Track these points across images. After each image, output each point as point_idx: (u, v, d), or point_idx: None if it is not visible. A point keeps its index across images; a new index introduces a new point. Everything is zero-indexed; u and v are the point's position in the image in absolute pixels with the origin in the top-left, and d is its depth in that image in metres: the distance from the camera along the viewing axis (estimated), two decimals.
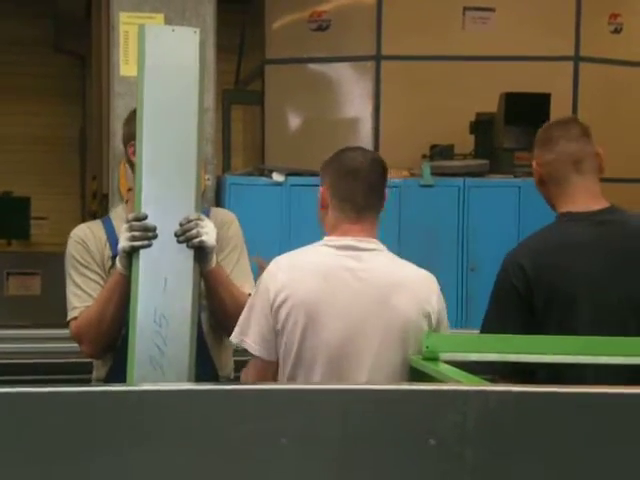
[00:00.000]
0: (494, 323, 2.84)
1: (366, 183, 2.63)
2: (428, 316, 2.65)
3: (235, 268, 2.87)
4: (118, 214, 2.95)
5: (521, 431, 1.78)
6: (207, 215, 2.82)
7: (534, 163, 2.92)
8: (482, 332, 2.89)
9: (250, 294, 2.87)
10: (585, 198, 2.81)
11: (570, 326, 2.70)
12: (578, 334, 2.66)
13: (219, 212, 2.99)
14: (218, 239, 2.85)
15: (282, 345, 2.50)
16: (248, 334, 2.54)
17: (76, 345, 2.87)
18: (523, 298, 2.77)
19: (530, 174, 7.95)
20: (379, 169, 2.69)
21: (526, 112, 7.86)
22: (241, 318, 2.58)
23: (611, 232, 2.75)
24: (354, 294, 2.52)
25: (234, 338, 2.60)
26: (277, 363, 2.55)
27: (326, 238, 2.65)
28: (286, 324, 2.48)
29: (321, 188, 2.78)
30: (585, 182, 2.82)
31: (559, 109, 8.13)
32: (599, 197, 2.84)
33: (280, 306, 2.48)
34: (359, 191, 2.62)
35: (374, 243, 2.66)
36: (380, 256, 2.64)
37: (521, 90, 7.98)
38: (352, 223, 2.63)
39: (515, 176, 7.52)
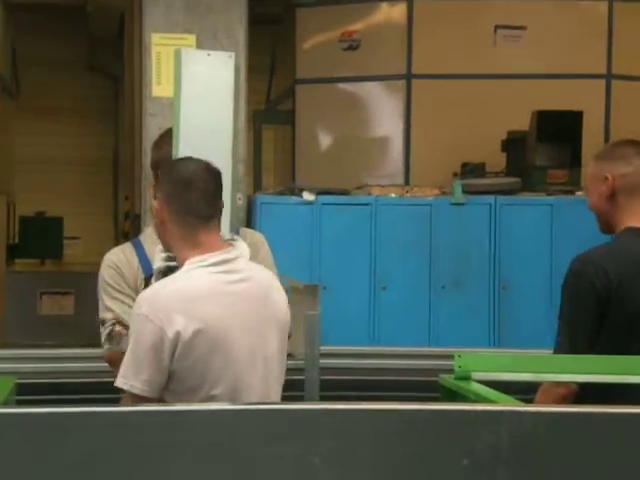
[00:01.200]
0: (571, 328, 2.81)
1: (205, 192, 2.51)
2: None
3: None
4: (148, 235, 2.97)
5: (555, 451, 1.77)
6: (237, 235, 2.83)
7: (608, 175, 2.89)
8: (560, 336, 2.84)
9: None
10: None
11: (628, 344, 2.74)
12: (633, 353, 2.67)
13: (248, 232, 3.00)
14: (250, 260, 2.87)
15: (191, 375, 2.42)
16: (138, 379, 2.42)
17: (108, 365, 2.89)
18: (601, 301, 2.76)
19: (564, 192, 7.90)
20: (214, 176, 2.54)
21: (558, 130, 7.84)
22: (126, 363, 2.45)
23: None
24: (245, 304, 2.51)
25: (121, 384, 2.45)
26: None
27: (195, 259, 2.50)
28: (192, 355, 2.41)
29: (156, 203, 2.61)
30: None
31: (591, 127, 8.12)
32: None
33: (188, 340, 2.39)
34: (201, 201, 2.49)
35: (234, 249, 2.58)
36: (244, 260, 2.60)
37: (553, 108, 7.97)
38: (207, 234, 2.52)
39: (547, 194, 7.49)
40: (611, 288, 2.75)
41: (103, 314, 2.87)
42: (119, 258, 2.90)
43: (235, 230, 2.85)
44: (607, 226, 2.97)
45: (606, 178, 2.89)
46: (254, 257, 2.83)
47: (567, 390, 2.74)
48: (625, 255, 2.82)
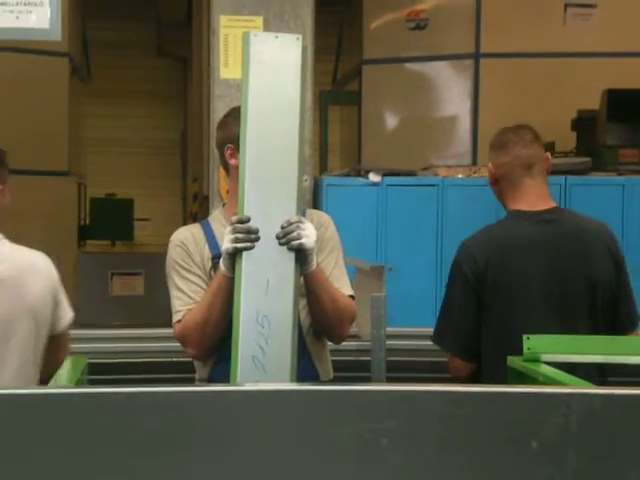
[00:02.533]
0: (449, 312, 3.07)
1: None
2: (53, 290, 2.82)
3: (333, 270, 2.88)
4: (216, 217, 2.99)
5: (627, 435, 1.75)
6: (303, 216, 2.84)
7: (490, 165, 3.16)
8: (439, 319, 3.12)
9: (351, 296, 2.88)
10: (533, 199, 3.06)
11: (509, 321, 2.96)
12: (517, 328, 2.84)
13: (314, 213, 3.00)
14: (316, 241, 2.87)
15: None
16: None
17: (179, 344, 2.92)
18: (472, 285, 3.00)
19: (635, 171, 7.82)
20: None
21: (629, 109, 7.70)
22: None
23: (552, 230, 3.01)
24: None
25: None
26: None
27: None
28: None
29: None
30: (535, 184, 3.08)
31: None
32: (546, 198, 3.09)
33: None
34: None
35: None
36: (8, 246, 2.72)
37: (624, 87, 7.83)
38: None
39: (619, 174, 7.37)
40: (479, 271, 2.97)
41: (174, 295, 2.89)
42: (185, 236, 2.93)
43: (301, 212, 2.85)
44: (503, 206, 3.20)
45: (490, 166, 3.16)
46: (320, 238, 2.83)
47: None
48: (497, 239, 3.05)
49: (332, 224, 2.98)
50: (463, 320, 3.02)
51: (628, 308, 3.08)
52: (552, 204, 3.10)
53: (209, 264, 2.86)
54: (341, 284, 2.88)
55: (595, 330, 2.98)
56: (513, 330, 2.87)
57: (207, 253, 2.87)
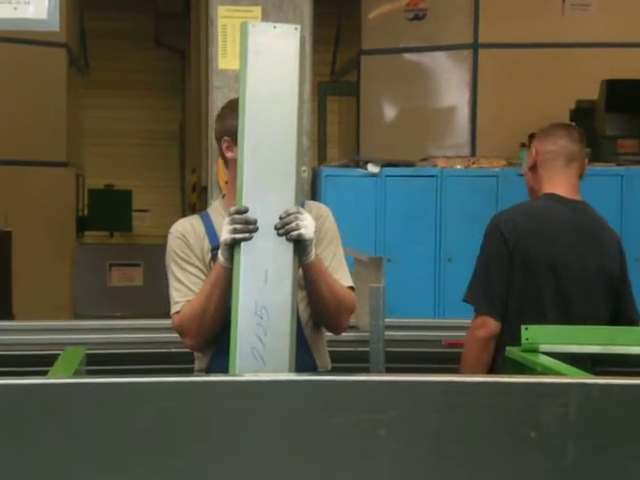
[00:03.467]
0: (485, 274, 3.22)
1: None
2: None
3: (332, 261, 2.87)
4: (215, 208, 2.98)
5: (625, 424, 1.76)
6: (302, 207, 2.83)
7: (533, 150, 3.32)
8: (471, 286, 3.26)
9: (350, 287, 2.88)
10: (569, 188, 3.26)
11: (537, 292, 3.12)
12: (544, 300, 3.09)
13: (313, 205, 2.99)
14: (314, 233, 2.87)
15: None
16: None
17: (177, 335, 2.92)
18: (509, 248, 3.15)
19: (634, 162, 7.81)
20: None
21: (628, 99, 7.70)
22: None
23: (582, 217, 3.24)
24: None
25: None
26: None
27: None
28: None
29: None
30: (571, 176, 3.28)
31: None
32: (578, 192, 3.30)
33: None
34: None
35: None
36: None
37: (622, 77, 7.82)
38: None
39: (618, 164, 7.37)
40: (518, 236, 3.14)
41: (173, 286, 2.89)
42: (185, 227, 2.92)
43: (301, 203, 2.85)
44: (532, 194, 3.36)
45: (532, 153, 3.33)
46: (319, 230, 2.83)
47: None
48: (534, 211, 3.24)
49: (331, 216, 2.97)
50: (499, 282, 3.16)
51: (632, 302, 3.27)
52: (581, 198, 3.30)
53: (209, 256, 2.86)
54: (340, 275, 2.87)
55: (599, 317, 3.12)
56: (533, 299, 3.12)
57: (207, 245, 2.87)
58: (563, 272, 3.14)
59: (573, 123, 8.05)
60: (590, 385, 1.79)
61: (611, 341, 2.67)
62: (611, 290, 3.19)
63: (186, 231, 2.90)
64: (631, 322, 3.19)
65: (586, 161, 3.38)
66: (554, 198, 3.24)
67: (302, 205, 2.85)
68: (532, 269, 3.14)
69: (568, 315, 3.07)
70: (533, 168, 3.32)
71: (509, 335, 3.01)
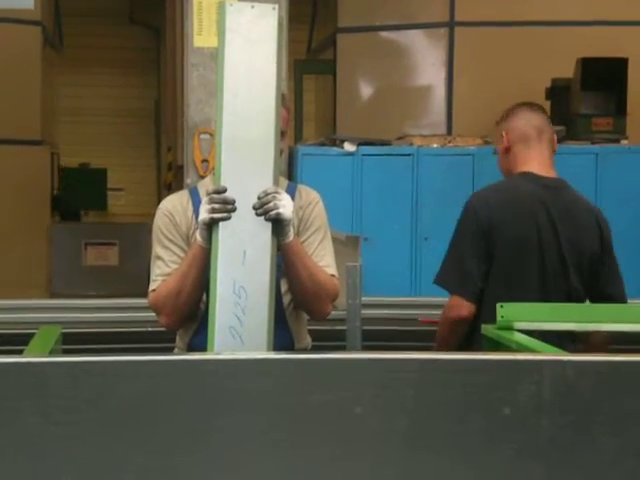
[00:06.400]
0: (458, 253, 3.17)
1: None
2: None
3: (317, 248, 2.87)
4: (204, 184, 2.97)
5: (598, 401, 1.77)
6: (292, 192, 2.83)
7: (503, 133, 3.25)
8: (445, 262, 3.21)
9: (333, 275, 2.87)
10: (541, 165, 3.21)
11: (513, 272, 3.09)
12: (526, 283, 3.07)
13: (303, 190, 2.98)
14: (302, 219, 2.86)
15: None
16: None
17: (153, 314, 2.91)
18: (484, 229, 3.11)
19: (609, 140, 7.83)
20: None
21: (603, 77, 7.72)
22: None
23: (557, 196, 3.18)
24: None
25: None
26: None
27: None
28: None
29: None
30: (543, 150, 3.23)
31: (636, 74, 7.98)
32: (552, 168, 3.25)
33: None
34: None
35: None
36: None
37: (598, 55, 7.84)
38: None
39: (592, 142, 7.40)
40: (491, 218, 3.10)
41: (153, 263, 2.89)
42: (173, 205, 2.91)
43: (290, 188, 2.85)
44: (508, 174, 3.29)
45: (502, 134, 3.25)
46: (307, 216, 2.84)
47: None
48: (508, 193, 3.18)
49: (321, 202, 2.96)
50: (473, 263, 3.12)
51: (613, 278, 3.23)
52: (555, 175, 3.25)
53: (193, 235, 2.85)
54: (325, 263, 2.86)
55: (576, 295, 3.11)
56: (513, 280, 3.09)
57: (193, 224, 2.86)
58: (538, 251, 3.12)
59: (549, 102, 8.08)
60: (564, 362, 1.80)
61: (586, 318, 2.69)
62: (588, 268, 3.15)
63: (174, 208, 2.89)
64: (611, 298, 3.14)
65: (556, 137, 3.34)
66: (529, 176, 3.20)
67: (294, 190, 2.85)
68: (507, 249, 3.11)
69: (545, 294, 3.06)
70: (507, 151, 3.27)
71: (488, 316, 2.97)
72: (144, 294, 2.94)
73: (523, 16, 8.71)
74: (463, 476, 1.78)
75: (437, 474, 1.78)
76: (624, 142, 7.44)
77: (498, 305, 2.68)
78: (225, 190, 2.55)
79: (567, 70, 7.96)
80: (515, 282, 3.09)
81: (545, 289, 3.09)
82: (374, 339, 4.19)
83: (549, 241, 3.13)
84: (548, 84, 8.10)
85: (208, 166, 5.23)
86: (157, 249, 2.88)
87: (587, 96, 7.75)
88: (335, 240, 3.05)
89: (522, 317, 2.65)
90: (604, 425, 1.78)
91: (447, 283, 3.20)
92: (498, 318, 2.65)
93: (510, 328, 2.62)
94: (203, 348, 2.59)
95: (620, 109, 7.74)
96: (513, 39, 8.62)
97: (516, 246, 3.11)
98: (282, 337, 2.77)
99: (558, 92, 8.02)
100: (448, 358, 1.83)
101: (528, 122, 3.23)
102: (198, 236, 2.64)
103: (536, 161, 3.22)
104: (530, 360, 1.85)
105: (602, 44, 8.19)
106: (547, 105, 8.05)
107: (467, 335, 3.14)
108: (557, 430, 1.78)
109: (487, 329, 2.72)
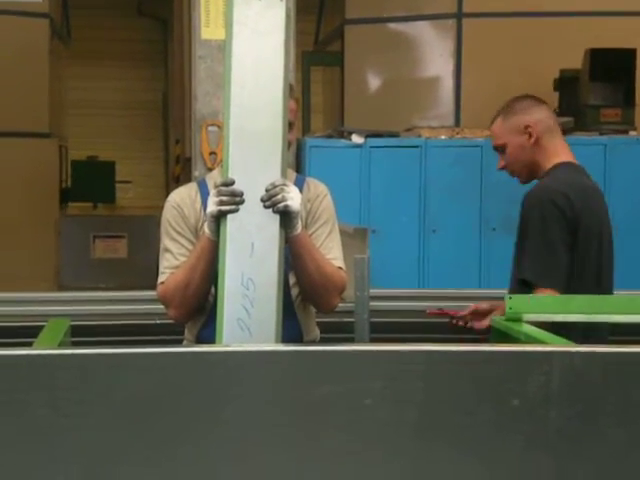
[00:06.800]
0: (547, 251, 3.05)
1: None
2: None
3: (325, 241, 2.87)
4: (212, 177, 2.97)
5: (607, 392, 1.77)
6: (300, 185, 2.83)
7: (530, 126, 3.17)
8: (532, 262, 3.05)
9: (340, 267, 2.87)
10: (569, 154, 3.21)
11: (592, 262, 3.06)
12: (599, 270, 3.05)
13: (312, 183, 2.98)
14: (310, 211, 2.87)
15: None
16: None
17: (162, 307, 2.92)
18: (570, 224, 3.04)
19: (617, 131, 7.79)
20: None
21: (612, 68, 7.69)
22: None
23: (596, 184, 3.22)
24: None
25: None
26: None
27: None
28: None
29: None
30: (563, 140, 3.24)
31: None
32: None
33: None
34: None
35: None
36: None
37: (606, 46, 7.81)
38: None
39: (601, 133, 7.38)
40: (573, 207, 3.02)
41: (162, 256, 2.89)
42: (182, 197, 2.91)
43: (299, 181, 2.85)
44: (533, 174, 3.22)
45: (527, 127, 3.16)
46: (315, 208, 2.84)
47: None
48: (572, 181, 3.11)
49: (329, 195, 2.96)
50: (563, 257, 3.04)
51: None
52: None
53: (202, 227, 2.85)
54: (333, 255, 2.86)
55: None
56: (589, 269, 3.06)
57: (202, 216, 2.86)
58: (603, 242, 3.12)
59: (557, 93, 8.06)
60: (572, 353, 1.80)
61: (595, 310, 2.68)
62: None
63: (183, 201, 2.90)
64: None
65: None
66: (573, 167, 3.18)
67: (302, 183, 2.85)
68: (587, 241, 3.07)
69: (602, 285, 3.07)
70: (536, 143, 3.18)
71: None
72: (153, 287, 2.94)
73: (531, 7, 8.69)
74: (472, 467, 1.79)
75: (446, 465, 1.78)
76: (632, 133, 7.41)
77: (506, 297, 2.68)
78: (233, 182, 2.55)
79: (576, 61, 7.93)
80: (594, 273, 3.07)
81: (602, 279, 3.09)
82: (382, 331, 4.18)
83: (607, 232, 3.15)
84: (556, 75, 8.08)
85: (216, 158, 5.24)
86: (165, 242, 2.88)
87: (595, 87, 7.73)
88: (343, 232, 3.05)
89: (530, 309, 2.64)
90: (612, 416, 1.78)
91: (540, 277, 3.04)
92: (507, 310, 2.65)
93: (519, 320, 2.62)
94: (212, 340, 2.59)
95: (629, 100, 7.72)
96: (521, 30, 8.60)
97: (593, 238, 3.09)
98: (290, 329, 2.77)
99: (567, 83, 7.99)
100: (456, 350, 1.83)
101: (547, 113, 3.23)
102: (206, 229, 2.65)
103: (566, 150, 3.21)
104: (539, 351, 1.85)
105: (611, 35, 8.16)
106: (556, 96, 8.03)
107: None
108: (565, 421, 1.78)
109: (495, 321, 2.71)
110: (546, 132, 3.20)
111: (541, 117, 3.21)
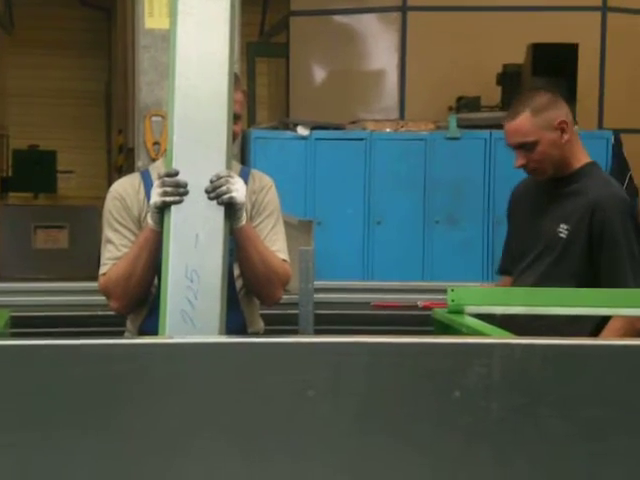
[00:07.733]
0: None
1: None
2: None
3: (270, 233, 2.87)
4: (156, 167, 2.95)
5: (547, 384, 1.79)
6: (246, 177, 2.82)
7: (561, 123, 3.03)
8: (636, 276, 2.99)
9: (285, 260, 2.88)
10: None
11: None
12: None
13: (257, 175, 2.98)
14: (255, 203, 2.87)
15: None
16: None
17: (104, 298, 2.89)
18: None
19: None
20: None
21: (554, 63, 7.79)
22: None
23: None
24: None
25: None
26: None
27: None
28: None
29: None
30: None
31: (587, 60, 8.07)
32: None
33: None
34: None
35: None
36: None
37: (549, 41, 7.90)
38: None
39: None
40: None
41: (104, 247, 2.87)
42: (124, 188, 2.89)
43: (244, 173, 2.85)
44: (559, 171, 3.08)
45: (562, 122, 3.03)
46: (260, 201, 2.84)
47: None
48: (620, 185, 3.17)
49: (274, 188, 2.96)
50: None
51: None
52: None
53: (145, 218, 2.83)
54: (277, 248, 2.86)
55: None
56: None
57: (145, 207, 2.84)
58: None
59: (500, 87, 8.13)
60: (513, 345, 1.82)
61: (535, 302, 2.71)
62: None
63: (125, 192, 2.87)
64: None
65: None
66: (601, 168, 3.19)
67: (247, 175, 2.84)
68: None
69: None
70: (569, 140, 3.07)
71: None
72: (94, 277, 2.92)
73: (475, 1, 8.76)
74: (413, 458, 1.80)
75: (388, 457, 1.79)
76: (574, 127, 7.52)
77: (448, 289, 2.70)
78: (177, 173, 2.53)
79: (519, 55, 8.02)
80: None
81: None
82: (326, 323, 4.20)
83: None
84: (499, 69, 8.15)
85: (160, 149, 5.20)
86: (108, 232, 2.85)
87: (538, 81, 7.81)
88: (288, 224, 3.06)
89: (472, 301, 2.67)
90: (552, 407, 1.80)
91: None
92: (449, 302, 2.67)
93: (461, 312, 2.64)
94: (154, 332, 2.58)
95: (570, 95, 7.81)
96: (465, 24, 8.66)
97: None
98: (234, 321, 2.76)
99: (509, 77, 8.07)
100: (399, 342, 1.84)
101: (568, 108, 3.11)
102: (150, 219, 2.63)
103: (585, 149, 3.15)
104: (479, 343, 1.87)
105: (553, 30, 8.26)
106: (498, 90, 8.11)
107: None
108: (506, 413, 1.80)
109: (437, 313, 2.74)
110: (572, 130, 3.09)
111: (568, 112, 3.08)
